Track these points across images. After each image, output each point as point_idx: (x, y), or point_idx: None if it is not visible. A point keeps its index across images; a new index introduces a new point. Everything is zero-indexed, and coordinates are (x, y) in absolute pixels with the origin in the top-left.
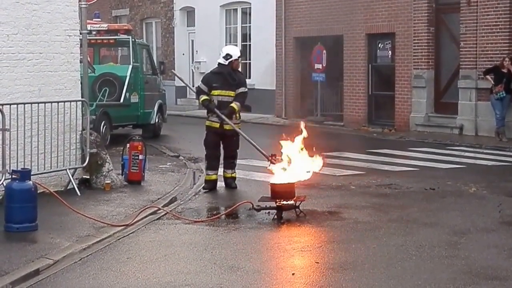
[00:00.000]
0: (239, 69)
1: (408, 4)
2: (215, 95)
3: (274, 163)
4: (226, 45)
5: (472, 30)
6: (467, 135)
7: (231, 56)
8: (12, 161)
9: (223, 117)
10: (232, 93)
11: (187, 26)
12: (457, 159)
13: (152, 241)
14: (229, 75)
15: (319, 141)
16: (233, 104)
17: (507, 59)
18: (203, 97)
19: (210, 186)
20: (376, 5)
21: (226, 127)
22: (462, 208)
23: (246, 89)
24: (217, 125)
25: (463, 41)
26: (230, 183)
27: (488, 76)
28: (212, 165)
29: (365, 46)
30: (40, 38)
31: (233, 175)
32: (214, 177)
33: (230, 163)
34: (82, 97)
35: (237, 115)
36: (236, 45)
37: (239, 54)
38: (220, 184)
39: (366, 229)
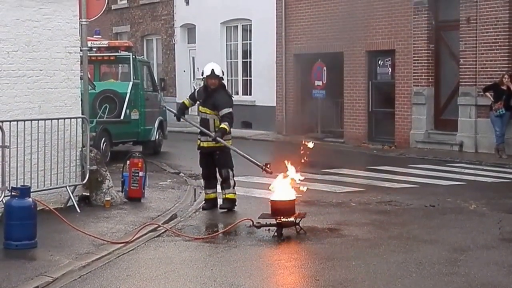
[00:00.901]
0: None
1: (408, 21)
2: (199, 111)
3: (268, 172)
4: (225, 62)
5: (471, 47)
6: (467, 152)
7: (203, 73)
8: (12, 178)
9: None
10: (208, 111)
11: (188, 43)
12: (457, 176)
13: (152, 259)
14: (206, 92)
15: (320, 158)
16: (223, 125)
17: (506, 76)
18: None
19: (209, 205)
20: (376, 22)
21: (203, 144)
22: (462, 225)
23: (230, 109)
24: (199, 142)
25: (462, 58)
26: (222, 204)
27: (487, 93)
28: (208, 184)
29: (365, 63)
30: (40, 55)
31: (227, 195)
32: (212, 195)
33: (222, 183)
34: (82, 114)
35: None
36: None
37: (208, 73)
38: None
39: (366, 246)
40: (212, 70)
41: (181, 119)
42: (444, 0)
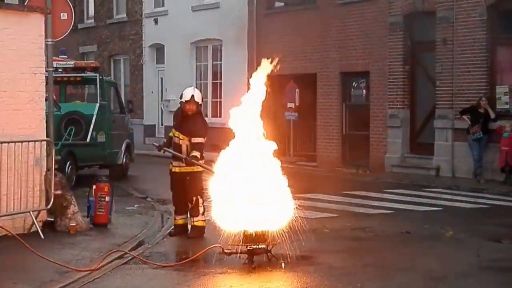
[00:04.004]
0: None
1: (383, 42)
2: (173, 134)
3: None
4: (195, 84)
5: (448, 69)
6: (444, 177)
7: (180, 98)
8: None
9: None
10: (181, 136)
11: (156, 63)
12: (434, 201)
13: (118, 287)
14: (182, 117)
15: (292, 182)
16: (194, 153)
17: (484, 98)
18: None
19: (178, 231)
20: (350, 44)
21: (175, 169)
22: (439, 252)
23: (203, 139)
24: (171, 167)
25: (438, 80)
26: (190, 232)
27: (464, 116)
28: (177, 210)
29: (339, 84)
30: (4, 76)
31: (196, 223)
32: (180, 221)
33: (191, 209)
34: (47, 137)
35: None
36: (195, 87)
37: (187, 98)
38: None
39: (341, 274)
40: (192, 96)
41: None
42: (420, 20)
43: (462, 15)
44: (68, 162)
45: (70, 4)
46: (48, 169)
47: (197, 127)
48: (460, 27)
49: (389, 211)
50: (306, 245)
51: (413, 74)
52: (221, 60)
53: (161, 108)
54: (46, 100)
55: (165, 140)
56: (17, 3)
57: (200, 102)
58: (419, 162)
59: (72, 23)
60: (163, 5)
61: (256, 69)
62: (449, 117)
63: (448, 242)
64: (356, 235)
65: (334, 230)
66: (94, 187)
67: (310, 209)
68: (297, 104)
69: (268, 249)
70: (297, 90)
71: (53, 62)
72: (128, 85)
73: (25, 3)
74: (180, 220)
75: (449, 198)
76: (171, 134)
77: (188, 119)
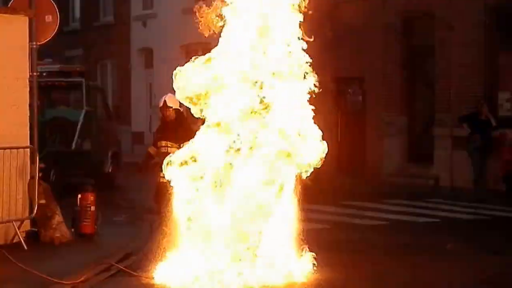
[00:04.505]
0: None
1: (378, 45)
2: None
3: None
4: None
5: (447, 73)
6: (443, 186)
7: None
8: None
9: None
10: (169, 144)
11: (145, 68)
12: (433, 212)
13: None
14: (165, 125)
15: None
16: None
17: (484, 105)
18: None
19: None
20: (344, 48)
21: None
22: (438, 265)
23: None
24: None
25: (437, 85)
26: None
27: (464, 124)
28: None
29: (333, 90)
30: None
31: None
32: None
33: None
34: (30, 143)
35: None
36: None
37: (160, 104)
38: None
39: None
40: (164, 101)
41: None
42: (417, 22)
43: (461, 17)
44: (53, 171)
45: (55, 6)
46: (31, 177)
47: (182, 132)
48: (459, 30)
49: (385, 222)
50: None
51: (411, 79)
52: None
53: (150, 115)
54: (30, 105)
55: (143, 159)
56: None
57: (175, 107)
58: (417, 171)
59: (57, 26)
60: (151, 7)
61: None
62: (448, 124)
63: (447, 255)
64: (352, 248)
65: (329, 242)
66: (79, 196)
67: (303, 220)
68: None
69: None
70: None
71: (38, 67)
72: (115, 90)
73: (8, 5)
74: None
75: (448, 208)
76: (149, 149)
77: (171, 125)
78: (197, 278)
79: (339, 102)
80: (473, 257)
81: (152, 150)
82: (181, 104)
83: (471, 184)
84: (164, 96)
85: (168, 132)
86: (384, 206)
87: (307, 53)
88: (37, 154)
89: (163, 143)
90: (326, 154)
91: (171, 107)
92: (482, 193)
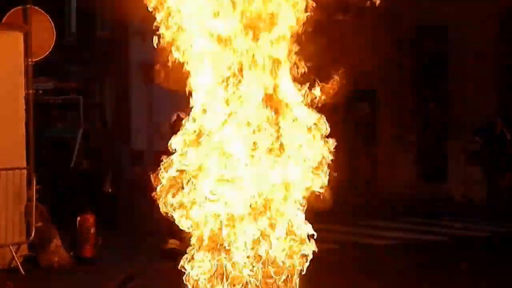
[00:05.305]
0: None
1: (390, 58)
2: None
3: None
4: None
5: (460, 86)
6: (456, 202)
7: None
8: None
9: None
10: None
11: (145, 83)
12: (447, 230)
13: None
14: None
15: None
16: None
17: (499, 119)
18: None
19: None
20: (355, 59)
21: None
22: (452, 286)
23: None
24: None
25: (450, 99)
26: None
27: (477, 138)
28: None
29: (343, 103)
30: None
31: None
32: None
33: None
34: (27, 164)
35: None
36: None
37: (174, 119)
38: None
39: None
40: (177, 114)
41: None
42: (429, 34)
43: (474, 30)
44: (50, 192)
45: (51, 21)
46: (28, 200)
47: None
48: (473, 42)
49: (398, 242)
50: (308, 279)
51: (423, 93)
52: None
53: (150, 132)
54: (26, 124)
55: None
56: None
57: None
58: (430, 187)
59: (54, 41)
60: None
61: None
62: (462, 138)
63: (462, 276)
64: (363, 268)
65: (339, 263)
66: (78, 218)
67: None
68: None
69: None
70: None
71: (34, 84)
72: (114, 106)
73: (2, 21)
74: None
75: (462, 226)
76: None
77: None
78: None
79: (349, 116)
80: (490, 278)
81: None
82: None
83: (486, 200)
84: (176, 112)
85: None
86: (395, 224)
87: (315, 65)
88: (34, 175)
89: None
90: (336, 171)
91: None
92: (497, 208)
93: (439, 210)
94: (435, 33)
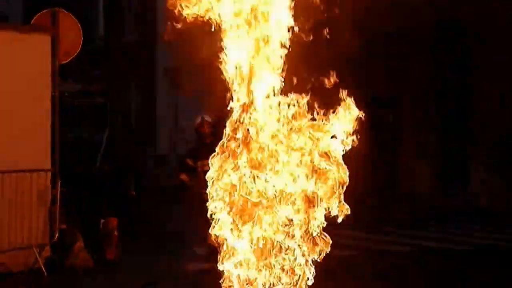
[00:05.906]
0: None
1: (411, 65)
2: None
3: None
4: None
5: (483, 92)
6: (479, 210)
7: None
8: None
9: None
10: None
11: (171, 88)
12: (467, 239)
13: None
14: (204, 146)
15: None
16: None
17: None
18: None
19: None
20: (378, 69)
21: None
22: None
23: None
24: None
25: (472, 106)
26: None
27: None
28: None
29: (366, 110)
30: (5, 101)
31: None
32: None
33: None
34: (52, 166)
35: None
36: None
37: (198, 121)
38: None
39: None
40: (202, 117)
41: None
42: (448, 40)
43: (498, 34)
44: (74, 194)
45: (79, 23)
46: (52, 202)
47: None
48: (496, 46)
49: (417, 249)
50: (327, 287)
51: (445, 99)
52: None
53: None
54: (52, 127)
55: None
56: (21, 22)
57: (213, 123)
58: (452, 194)
59: (81, 44)
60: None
61: None
62: (485, 145)
63: (486, 286)
64: (382, 276)
65: (358, 270)
66: (102, 221)
67: (331, 246)
68: None
69: None
70: None
71: (60, 86)
72: (139, 111)
73: (30, 23)
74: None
75: (485, 236)
76: (182, 177)
77: (211, 147)
78: None
79: (372, 122)
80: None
81: (184, 177)
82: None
83: (508, 208)
84: (200, 115)
85: (205, 152)
86: (415, 232)
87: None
88: (59, 178)
89: (205, 162)
90: (358, 176)
91: (210, 123)
92: None
93: (460, 218)
94: (458, 37)
